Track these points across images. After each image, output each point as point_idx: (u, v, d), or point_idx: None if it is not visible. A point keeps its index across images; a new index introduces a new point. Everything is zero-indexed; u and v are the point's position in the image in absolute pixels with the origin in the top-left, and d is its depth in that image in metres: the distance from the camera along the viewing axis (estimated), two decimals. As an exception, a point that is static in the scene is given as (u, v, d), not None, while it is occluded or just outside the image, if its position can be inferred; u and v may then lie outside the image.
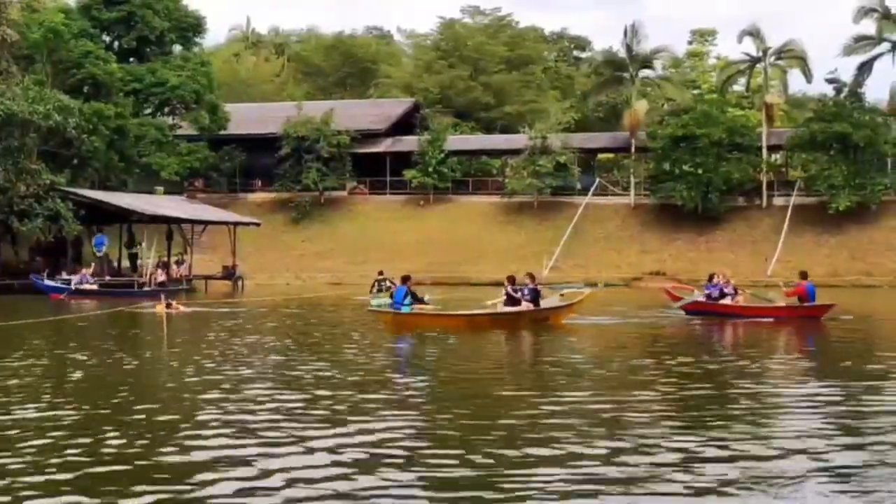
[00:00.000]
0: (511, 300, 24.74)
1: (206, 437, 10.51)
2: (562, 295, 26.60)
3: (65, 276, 43.39)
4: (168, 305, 29.71)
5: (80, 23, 55.68)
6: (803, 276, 28.23)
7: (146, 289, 42.12)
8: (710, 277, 29.76)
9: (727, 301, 28.47)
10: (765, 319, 27.33)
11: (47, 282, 41.76)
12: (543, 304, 25.14)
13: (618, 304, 33.47)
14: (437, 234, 60.72)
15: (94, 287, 41.83)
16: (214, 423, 11.33)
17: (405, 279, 25.13)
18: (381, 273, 42.68)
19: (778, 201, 60.65)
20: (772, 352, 20.73)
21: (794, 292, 27.59)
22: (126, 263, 51.22)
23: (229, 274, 50.71)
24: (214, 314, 31.15)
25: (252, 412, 12.17)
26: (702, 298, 28.96)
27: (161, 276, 43.96)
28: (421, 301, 24.88)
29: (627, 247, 59.37)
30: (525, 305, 24.53)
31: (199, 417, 11.82)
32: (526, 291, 24.84)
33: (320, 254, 60.34)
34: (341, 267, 56.52)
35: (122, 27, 61.09)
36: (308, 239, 63.02)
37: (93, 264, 45.41)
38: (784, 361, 18.84)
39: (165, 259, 47.78)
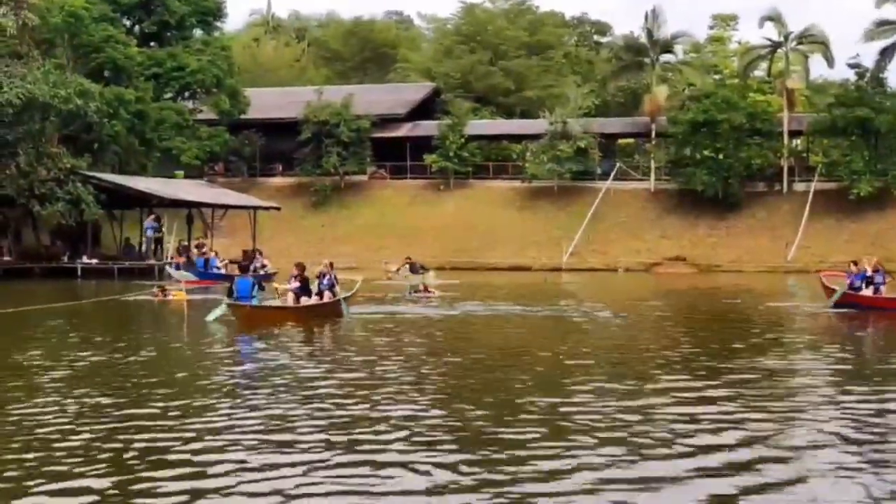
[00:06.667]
0: (303, 290, 23.55)
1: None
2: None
3: (85, 259, 43.52)
4: (163, 291, 29.60)
5: (100, 7, 55.64)
6: None
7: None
8: (854, 263, 26.54)
9: (868, 291, 25.51)
10: None
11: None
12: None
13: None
14: (456, 218, 60.67)
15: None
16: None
17: (243, 269, 22.90)
18: (408, 258, 42.70)
19: (799, 187, 60.30)
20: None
21: None
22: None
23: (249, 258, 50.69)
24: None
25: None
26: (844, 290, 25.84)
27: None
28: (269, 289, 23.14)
29: (647, 232, 59.14)
30: (327, 296, 23.68)
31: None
32: (325, 281, 24.02)
33: (339, 238, 60.32)
34: (360, 252, 56.51)
35: (142, 11, 61.23)
36: (327, 223, 63.03)
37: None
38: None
39: (186, 243, 47.88)
